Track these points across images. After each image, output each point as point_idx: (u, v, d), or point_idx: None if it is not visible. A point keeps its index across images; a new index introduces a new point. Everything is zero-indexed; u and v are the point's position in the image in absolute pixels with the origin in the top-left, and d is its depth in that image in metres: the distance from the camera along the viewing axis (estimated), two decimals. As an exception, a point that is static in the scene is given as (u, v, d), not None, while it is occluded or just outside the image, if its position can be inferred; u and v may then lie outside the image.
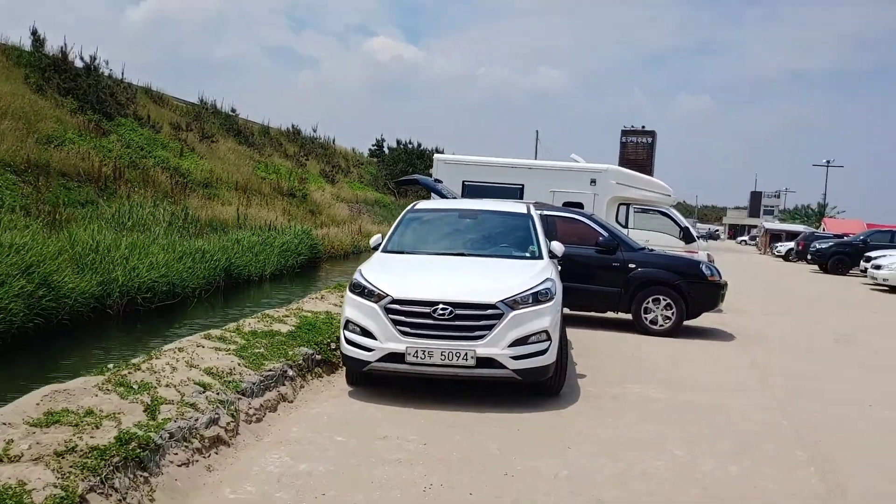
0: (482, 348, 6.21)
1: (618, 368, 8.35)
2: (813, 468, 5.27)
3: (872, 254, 25.76)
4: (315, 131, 50.23)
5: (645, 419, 6.31)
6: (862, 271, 26.19)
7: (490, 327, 6.25)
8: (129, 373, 5.45)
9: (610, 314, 11.60)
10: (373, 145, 61.80)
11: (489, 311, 6.28)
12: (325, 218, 33.92)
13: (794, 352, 10.31)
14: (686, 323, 10.98)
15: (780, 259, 42.49)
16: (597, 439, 5.69)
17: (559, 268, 8.17)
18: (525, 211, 8.20)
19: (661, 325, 10.77)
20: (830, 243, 32.15)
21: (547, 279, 6.71)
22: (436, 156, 16.21)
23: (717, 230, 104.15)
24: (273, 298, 16.49)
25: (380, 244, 7.76)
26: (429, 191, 12.34)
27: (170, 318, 13.39)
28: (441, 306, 6.24)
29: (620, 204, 15.15)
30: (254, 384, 5.97)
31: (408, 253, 7.53)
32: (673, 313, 10.73)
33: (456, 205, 8.92)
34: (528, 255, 7.51)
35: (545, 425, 5.99)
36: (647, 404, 6.82)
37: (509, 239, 7.85)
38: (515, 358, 6.26)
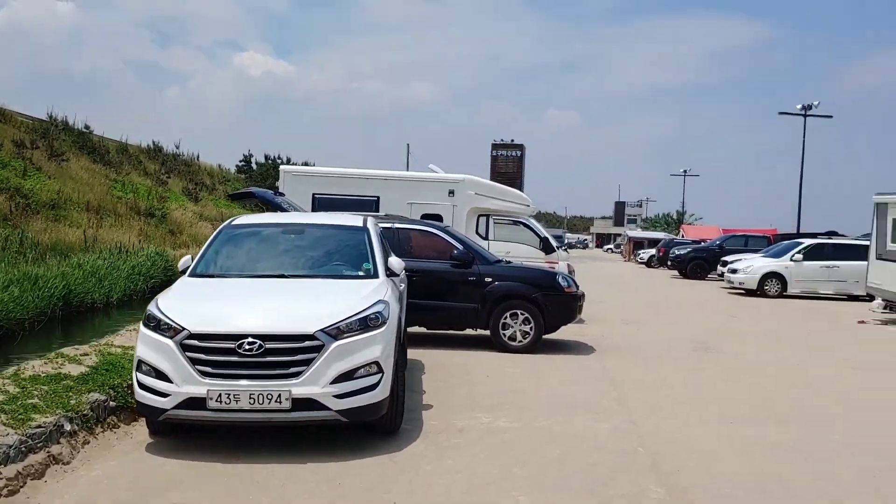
0: (299, 387, 5.29)
1: (470, 394, 7.62)
2: (669, 507, 4.66)
3: (728, 258, 26.62)
4: (178, 148, 47.56)
5: (491, 456, 5.57)
6: (719, 275, 26.99)
7: (308, 362, 5.34)
8: None
9: (469, 331, 10.92)
10: (240, 161, 59.63)
11: (307, 343, 5.37)
12: (186, 238, 31.89)
13: (653, 363, 9.95)
14: (547, 337, 10.47)
15: (643, 266, 43.70)
16: (431, 489, 4.88)
17: (401, 287, 7.39)
18: (360, 224, 7.34)
19: (521, 341, 10.19)
20: (689, 249, 33.19)
21: (379, 301, 5.88)
22: (282, 167, 15.15)
23: (586, 239, 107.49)
24: (119, 326, 14.88)
25: (189, 267, 6.70)
26: (267, 206, 11.32)
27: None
28: (248, 340, 5.29)
29: (480, 215, 14.61)
30: (10, 447, 4.79)
31: (219, 276, 6.51)
32: (531, 328, 10.17)
33: (280, 219, 7.97)
34: (361, 273, 6.64)
35: (374, 474, 5.13)
36: (495, 436, 6.10)
37: (341, 256, 6.97)
38: (340, 396, 5.38)
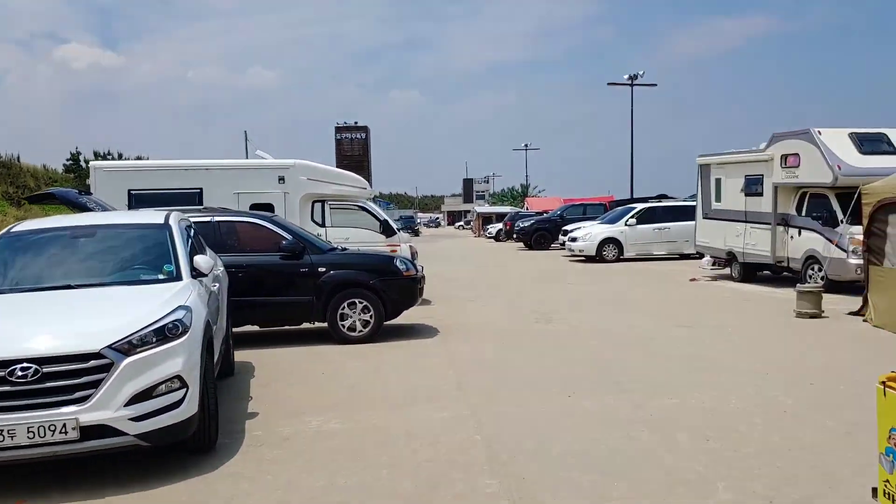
0: (88, 414, 4.60)
1: (301, 395, 7.09)
2: (505, 502, 4.38)
3: (569, 227, 27.34)
4: (-7, 150, 43.35)
5: (316, 466, 5.09)
6: (561, 244, 27.69)
7: (97, 384, 4.66)
8: None
9: (307, 325, 10.37)
10: (68, 160, 55.56)
11: (93, 363, 4.67)
12: (5, 247, 29.03)
13: (495, 341, 9.80)
14: (390, 323, 10.10)
15: (492, 240, 44.36)
16: (245, 513, 4.37)
17: (213, 287, 6.72)
18: (161, 221, 6.60)
19: (361, 331, 9.75)
20: (532, 221, 33.92)
21: (179, 307, 5.23)
22: (92, 164, 13.83)
23: (438, 218, 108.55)
24: None
25: (-42, 284, 5.76)
26: (72, 207, 10.22)
27: None
28: (21, 366, 4.53)
29: (315, 201, 13.95)
30: None
31: (-7, 293, 5.64)
32: (371, 316, 9.75)
33: (69, 222, 7.07)
34: (161, 277, 5.95)
35: (182, 501, 4.55)
36: (323, 442, 5.62)
37: (138, 259, 6.22)
38: (138, 419, 4.73)
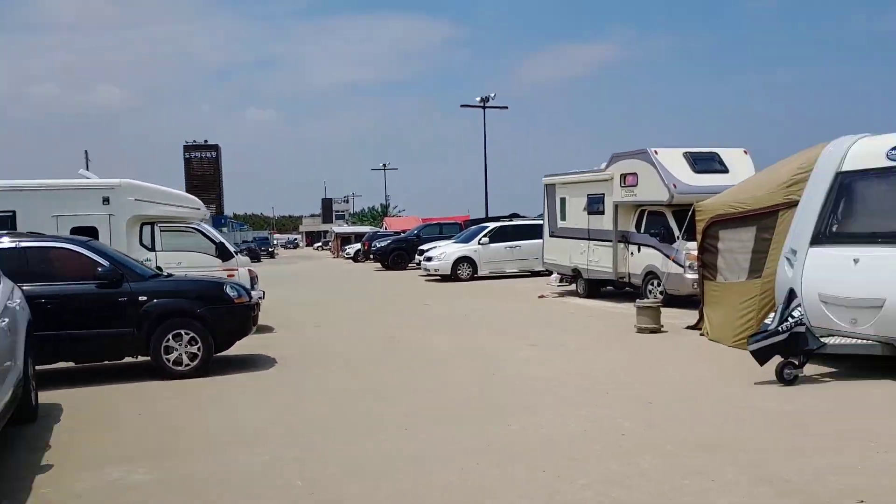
0: None
1: (109, 442, 6.31)
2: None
3: (425, 247, 27.26)
4: None
5: (107, 529, 4.43)
6: (417, 264, 27.54)
7: None
8: None
9: (129, 359, 9.47)
10: None
11: None
12: None
13: (336, 369, 9.33)
14: (224, 354, 9.39)
15: (351, 261, 43.73)
16: None
17: (2, 323, 5.87)
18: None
19: (188, 365, 8.97)
20: (389, 241, 33.69)
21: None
22: None
23: (296, 238, 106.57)
24: None
25: None
26: None
27: None
28: None
29: (144, 223, 12.94)
30: None
31: None
32: (199, 349, 9.00)
33: None
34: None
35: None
36: (121, 497, 4.93)
37: None
38: None
